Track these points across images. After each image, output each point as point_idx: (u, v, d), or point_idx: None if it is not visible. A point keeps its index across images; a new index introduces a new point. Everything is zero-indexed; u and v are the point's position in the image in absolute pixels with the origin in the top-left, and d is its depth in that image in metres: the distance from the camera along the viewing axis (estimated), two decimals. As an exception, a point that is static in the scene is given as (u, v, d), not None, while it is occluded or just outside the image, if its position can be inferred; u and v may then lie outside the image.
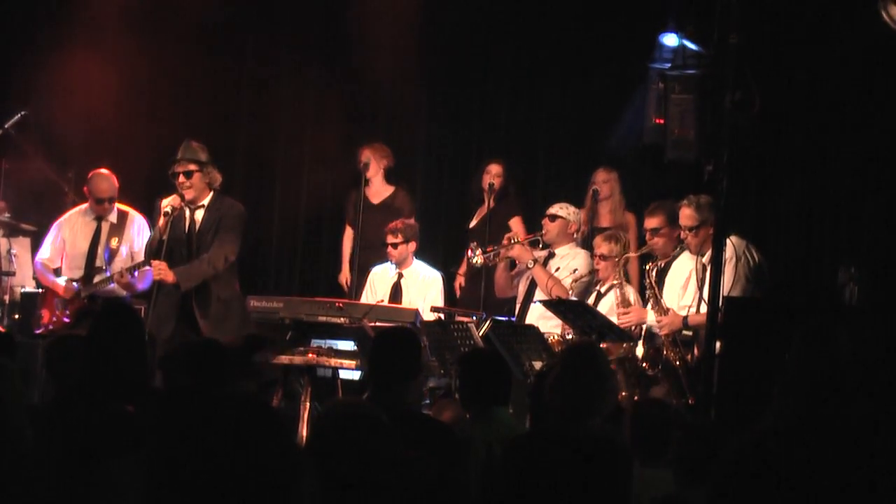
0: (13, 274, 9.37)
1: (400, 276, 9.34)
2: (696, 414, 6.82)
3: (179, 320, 8.23)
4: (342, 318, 8.49)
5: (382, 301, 9.07)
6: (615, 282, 8.20)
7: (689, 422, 5.05)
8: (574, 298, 8.36)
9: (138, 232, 9.13)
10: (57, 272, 9.20)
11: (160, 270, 8.16)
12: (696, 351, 7.74)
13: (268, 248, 11.25)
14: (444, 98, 11.11)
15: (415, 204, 10.10)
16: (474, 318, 8.42)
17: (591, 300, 8.39)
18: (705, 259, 7.72)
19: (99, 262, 9.14)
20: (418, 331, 7.34)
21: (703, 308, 7.27)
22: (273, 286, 10.66)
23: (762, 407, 5.61)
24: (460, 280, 9.88)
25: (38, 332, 8.99)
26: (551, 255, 8.94)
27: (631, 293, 8.25)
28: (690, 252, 7.96)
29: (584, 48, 10.41)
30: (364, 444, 2.98)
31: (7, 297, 9.32)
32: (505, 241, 8.99)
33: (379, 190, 9.99)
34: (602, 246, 8.46)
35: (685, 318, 7.80)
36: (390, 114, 11.00)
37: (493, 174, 9.71)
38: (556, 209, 8.98)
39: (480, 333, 7.99)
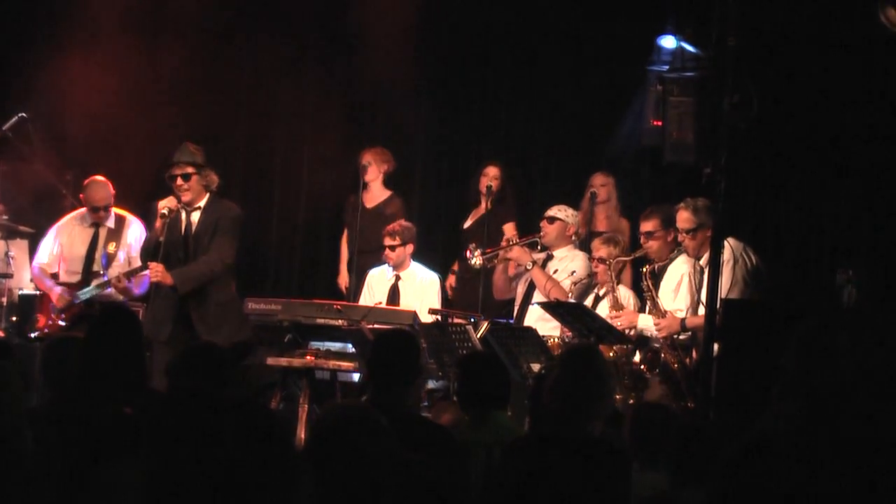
0: (11, 276, 9.37)
1: (397, 278, 9.34)
2: (696, 417, 6.82)
3: (176, 323, 8.21)
4: (340, 321, 8.49)
5: (380, 303, 9.07)
6: (609, 285, 8.19)
7: (683, 423, 5.04)
8: (572, 301, 8.35)
9: (136, 237, 9.13)
10: (54, 277, 9.20)
11: (157, 273, 8.15)
12: (694, 354, 7.73)
13: (266, 250, 11.25)
14: (443, 100, 11.11)
15: (409, 211, 10.08)
16: (472, 319, 8.41)
17: (589, 303, 8.39)
18: (703, 262, 7.72)
19: (96, 267, 9.14)
20: (417, 333, 7.33)
21: (702, 310, 7.27)
22: (271, 288, 10.65)
23: (760, 409, 5.60)
24: (451, 280, 9.88)
25: (33, 335, 8.99)
26: (549, 258, 8.95)
27: (624, 296, 8.24)
28: (688, 255, 7.96)
29: (582, 50, 10.42)
30: (363, 446, 2.98)
31: (5, 300, 9.31)
32: (503, 243, 9.00)
33: (375, 194, 9.99)
34: (601, 249, 8.46)
35: (683, 320, 7.80)
36: (389, 116, 11.00)
37: (491, 176, 9.71)
38: (555, 211, 8.98)
39: (478, 336, 7.99)
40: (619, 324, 7.94)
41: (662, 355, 7.75)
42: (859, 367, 5.34)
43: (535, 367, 7.39)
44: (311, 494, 2.87)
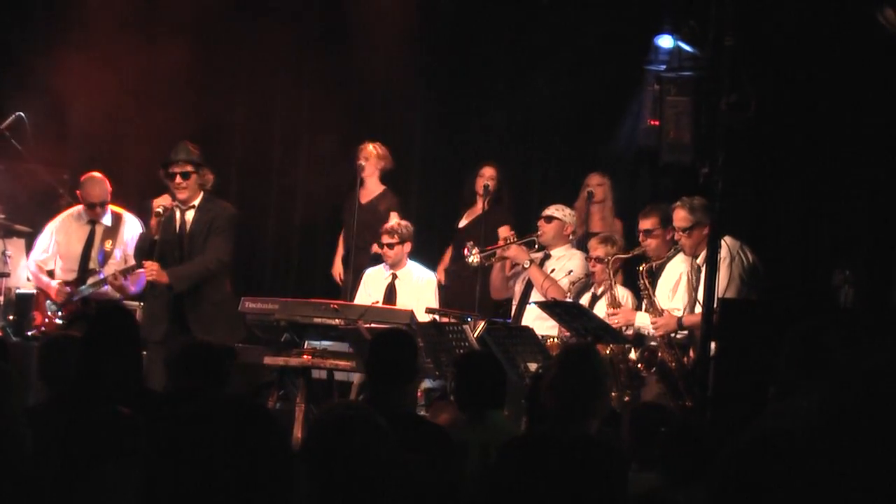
0: (7, 275, 9.37)
1: (394, 276, 9.35)
2: (692, 416, 6.82)
3: (171, 322, 8.20)
4: (337, 320, 8.48)
5: (377, 302, 9.07)
6: (606, 283, 8.19)
7: (676, 422, 5.04)
8: (570, 300, 8.36)
9: (132, 235, 9.12)
10: (50, 274, 9.20)
11: (153, 271, 8.15)
12: (691, 353, 7.73)
13: (263, 250, 11.24)
14: (440, 100, 11.11)
15: (405, 209, 10.07)
16: (469, 319, 8.41)
17: (586, 302, 8.39)
18: (699, 260, 7.73)
19: (93, 265, 9.15)
20: (414, 332, 7.33)
21: (698, 309, 7.27)
22: (269, 288, 10.65)
23: (758, 408, 5.61)
24: (440, 276, 9.89)
25: (30, 333, 8.99)
26: (547, 257, 8.95)
27: (621, 294, 8.24)
28: (685, 253, 7.96)
29: (580, 50, 10.41)
30: (360, 446, 2.98)
31: (2, 299, 9.31)
32: (502, 239, 9.00)
33: (370, 189, 9.98)
34: (598, 249, 8.45)
35: (680, 318, 7.80)
36: (386, 116, 10.99)
37: (488, 177, 9.72)
38: (552, 211, 8.99)
39: (475, 335, 7.99)
40: (616, 321, 7.94)
41: (659, 354, 7.75)
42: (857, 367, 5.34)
43: (533, 366, 7.39)
44: (308, 494, 2.87)
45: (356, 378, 8.73)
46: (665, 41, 8.87)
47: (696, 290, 7.71)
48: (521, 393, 6.61)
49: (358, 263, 9.73)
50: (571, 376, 4.82)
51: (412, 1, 10.51)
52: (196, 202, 8.38)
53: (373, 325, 8.07)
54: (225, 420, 2.44)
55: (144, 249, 8.34)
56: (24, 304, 9.24)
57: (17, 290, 9.38)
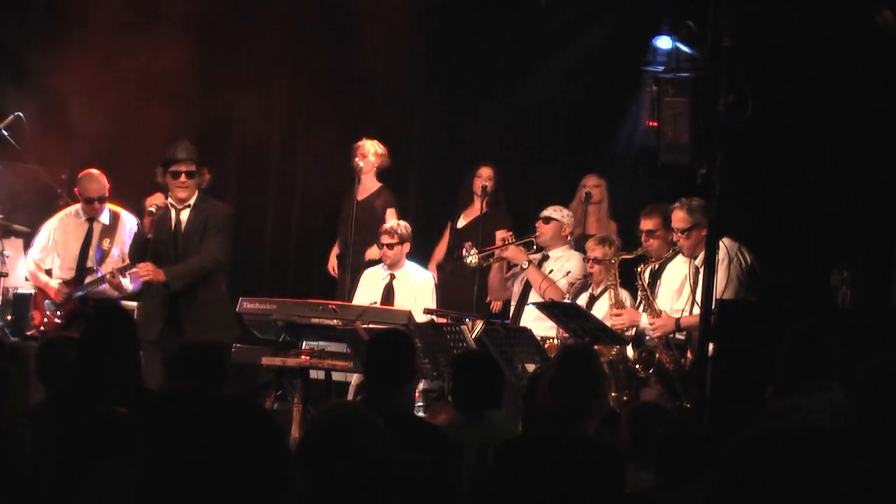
0: (6, 275, 9.36)
1: (392, 277, 9.35)
2: (689, 417, 6.82)
3: (166, 322, 8.20)
4: (335, 320, 8.48)
5: (375, 303, 9.07)
6: (610, 282, 8.16)
7: (670, 422, 5.04)
8: (568, 301, 8.35)
9: (130, 233, 9.11)
10: (48, 273, 9.20)
11: (148, 271, 8.15)
12: (689, 354, 7.73)
13: (261, 250, 11.24)
14: (438, 101, 11.11)
15: (398, 205, 10.07)
16: (466, 319, 8.41)
17: (584, 303, 8.39)
18: (698, 261, 7.72)
19: (90, 263, 9.15)
20: (412, 333, 7.33)
21: (696, 310, 7.27)
22: (267, 288, 10.65)
23: (756, 409, 5.61)
24: (432, 270, 9.90)
25: (29, 333, 8.99)
26: (545, 258, 8.95)
27: (625, 295, 8.24)
28: (683, 254, 7.95)
29: (578, 51, 10.42)
30: (358, 446, 2.98)
31: (0, 298, 9.31)
32: (499, 242, 9.00)
33: (366, 186, 9.98)
34: (595, 249, 8.45)
35: (678, 319, 7.80)
36: (385, 116, 11.00)
37: (485, 177, 9.73)
38: (551, 211, 8.99)
39: (473, 336, 7.99)
40: (621, 321, 7.92)
41: (657, 355, 7.75)
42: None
43: (530, 367, 7.39)
44: (305, 494, 2.88)
45: (354, 378, 8.73)
46: (663, 42, 8.87)
47: (694, 291, 7.70)
48: (519, 393, 6.62)
49: (353, 260, 9.74)
50: (570, 377, 4.82)
51: (411, 1, 10.52)
52: (192, 201, 8.38)
53: (371, 326, 8.07)
54: (222, 420, 2.44)
55: (139, 248, 8.34)
56: (22, 304, 9.24)
57: (16, 290, 9.38)
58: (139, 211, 9.08)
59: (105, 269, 8.99)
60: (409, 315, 8.46)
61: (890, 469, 3.15)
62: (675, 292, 7.99)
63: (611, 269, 8.24)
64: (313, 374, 8.62)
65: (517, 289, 9.02)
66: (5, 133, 9.73)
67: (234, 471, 2.37)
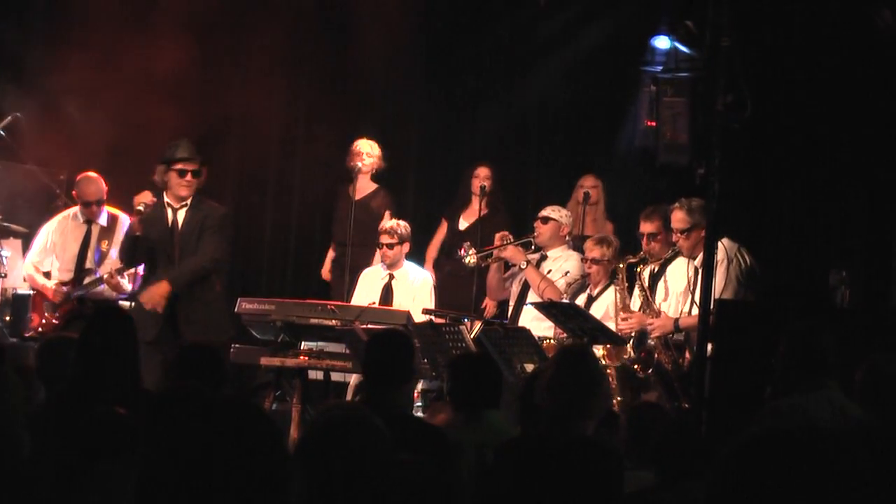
0: (4, 276, 9.36)
1: (391, 277, 9.34)
2: (687, 417, 6.82)
3: (163, 322, 8.19)
4: (334, 321, 8.48)
5: (374, 303, 9.07)
6: (617, 287, 8.12)
7: (668, 422, 5.04)
8: (566, 301, 8.35)
9: (128, 235, 9.13)
10: (47, 275, 9.20)
11: (152, 299, 8.09)
12: (688, 355, 7.73)
13: (260, 250, 11.24)
14: (437, 101, 11.11)
15: (394, 206, 10.07)
16: (465, 319, 8.41)
17: (582, 303, 8.38)
18: (697, 262, 7.72)
19: (89, 265, 9.15)
20: (410, 333, 7.33)
21: (696, 310, 7.27)
22: (265, 288, 10.65)
23: (754, 409, 5.61)
24: (428, 267, 9.91)
25: (27, 335, 8.99)
26: (543, 258, 8.95)
27: (629, 297, 8.21)
28: (682, 255, 7.94)
29: (577, 52, 10.42)
30: (356, 447, 2.98)
31: (-2, 299, 9.32)
32: (498, 242, 8.99)
33: (362, 186, 9.97)
34: (593, 250, 8.45)
35: (676, 320, 7.80)
36: (384, 116, 11.00)
37: (483, 177, 9.74)
38: (549, 211, 8.99)
39: (472, 336, 7.98)
40: (629, 326, 7.89)
41: (656, 355, 7.75)
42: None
43: (529, 367, 7.39)
44: (304, 495, 2.87)
45: (353, 379, 8.73)
46: (662, 42, 8.88)
47: (694, 291, 7.70)
48: (516, 393, 6.61)
49: (341, 259, 9.74)
50: (568, 377, 4.82)
51: (410, 1, 10.52)
52: (189, 201, 8.38)
53: (369, 326, 8.07)
54: (221, 421, 2.44)
55: (129, 246, 8.32)
56: (21, 305, 9.24)
57: (15, 291, 9.38)
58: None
59: (103, 270, 8.99)
60: (407, 315, 8.46)
61: (890, 469, 3.15)
62: (682, 294, 7.96)
63: (611, 270, 8.23)
64: (312, 374, 8.62)
65: (515, 289, 9.02)
66: (3, 134, 9.73)
67: (233, 471, 2.37)
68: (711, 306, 6.49)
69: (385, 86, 10.99)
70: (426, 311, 8.68)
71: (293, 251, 11.27)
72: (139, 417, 4.11)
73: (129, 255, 8.34)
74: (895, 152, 9.05)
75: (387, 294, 9.29)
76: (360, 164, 9.83)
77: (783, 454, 2.11)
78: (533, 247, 8.98)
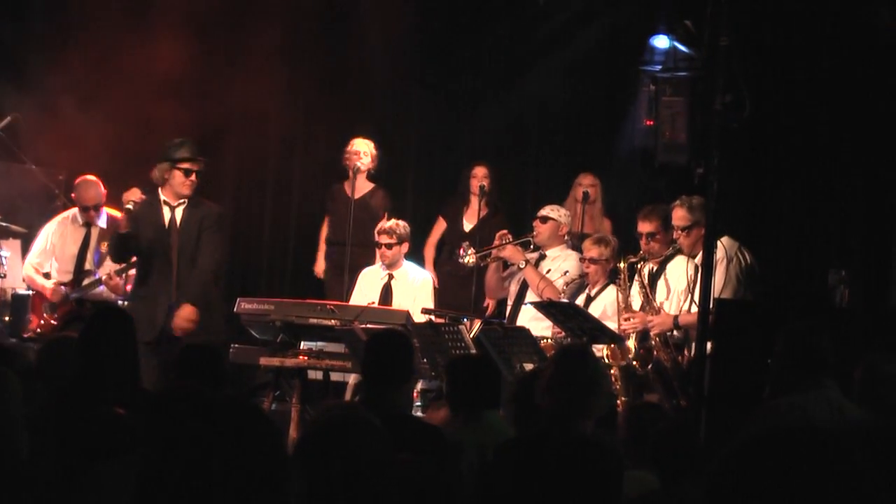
0: (3, 276, 9.37)
1: (390, 277, 9.34)
2: (685, 416, 6.81)
3: (162, 323, 8.17)
4: (333, 321, 8.47)
5: (373, 303, 9.07)
6: (619, 286, 8.12)
7: (666, 424, 5.04)
8: (565, 300, 8.35)
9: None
10: (46, 276, 9.20)
11: (181, 326, 8.10)
12: (686, 353, 7.74)
13: (259, 250, 11.24)
14: (435, 100, 11.12)
15: (392, 205, 10.08)
16: (465, 319, 8.41)
17: (581, 303, 8.38)
18: (697, 260, 7.72)
19: (88, 266, 9.15)
20: (410, 333, 7.33)
21: (694, 308, 7.27)
22: (265, 288, 10.65)
23: (753, 409, 5.61)
24: (430, 263, 9.92)
25: (26, 335, 8.99)
26: (542, 257, 8.95)
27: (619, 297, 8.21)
28: (683, 252, 7.94)
29: (576, 51, 10.43)
30: (354, 447, 2.98)
31: (-2, 300, 9.32)
32: (497, 241, 8.99)
33: (359, 186, 9.97)
34: (591, 249, 8.45)
35: (676, 317, 7.80)
36: (382, 116, 11.00)
37: (481, 176, 9.75)
38: (548, 211, 8.99)
39: (471, 335, 7.98)
40: (633, 326, 7.88)
41: (655, 353, 7.74)
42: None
43: (528, 367, 7.38)
44: (302, 495, 2.88)
45: (351, 379, 8.73)
46: (660, 42, 8.88)
47: (693, 289, 7.70)
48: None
49: (340, 258, 9.75)
50: (568, 377, 4.82)
51: (409, 1, 10.52)
52: (186, 199, 8.38)
53: (369, 326, 8.07)
54: (221, 421, 2.44)
55: (119, 244, 8.29)
56: (19, 306, 9.24)
57: (14, 292, 9.39)
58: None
59: (103, 271, 9.00)
60: (407, 315, 8.46)
61: (890, 469, 3.16)
62: (682, 292, 7.96)
63: (610, 269, 8.23)
64: (311, 374, 8.62)
65: (514, 288, 9.01)
66: (2, 134, 9.73)
67: (233, 471, 2.37)
68: (711, 305, 6.50)
69: (384, 85, 10.98)
70: (425, 311, 8.68)
71: (292, 251, 11.27)
72: (139, 418, 4.11)
73: (118, 251, 8.32)
74: (894, 152, 9.05)
75: (386, 294, 9.28)
76: (358, 164, 9.84)
77: (783, 454, 2.11)
78: (532, 246, 8.98)
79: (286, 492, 2.43)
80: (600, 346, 7.69)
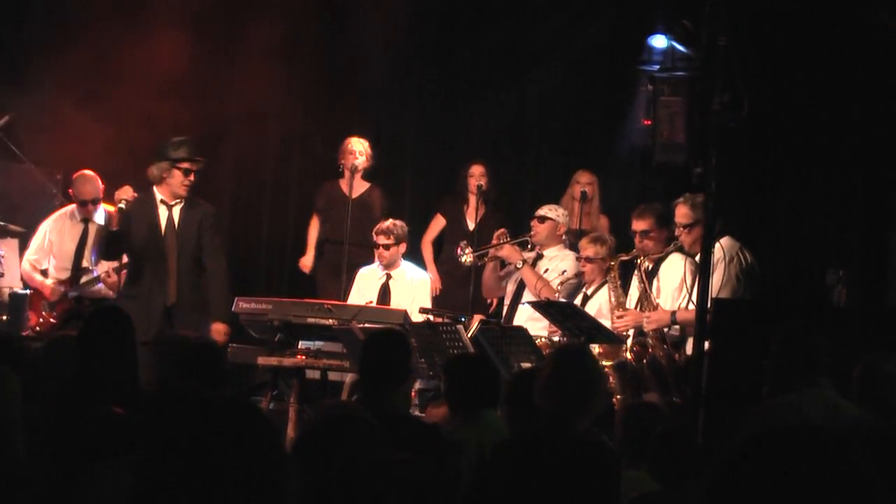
0: (1, 275, 9.36)
1: (388, 276, 9.34)
2: (682, 415, 6.82)
3: (159, 323, 8.17)
4: (331, 320, 8.47)
5: (371, 302, 9.07)
6: (610, 285, 8.14)
7: (665, 426, 5.05)
8: (562, 300, 8.35)
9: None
10: (44, 273, 9.20)
11: (220, 336, 8.18)
12: (684, 350, 7.74)
13: (257, 249, 11.23)
14: (433, 100, 11.12)
15: (389, 204, 10.08)
16: (462, 319, 8.41)
17: (577, 302, 8.38)
18: (698, 257, 7.72)
19: (86, 264, 9.15)
20: (407, 332, 7.33)
21: (692, 306, 7.28)
22: (263, 287, 10.64)
23: (751, 408, 5.61)
24: (428, 252, 9.95)
25: (25, 333, 8.98)
26: (539, 257, 8.95)
27: (623, 295, 8.21)
28: (684, 249, 7.94)
29: (574, 50, 10.43)
30: (352, 447, 2.98)
31: (-4, 299, 9.32)
32: (495, 241, 9.00)
33: (355, 185, 9.97)
34: (588, 248, 8.45)
35: (673, 313, 7.81)
36: (379, 115, 11.00)
37: (478, 175, 9.76)
38: (546, 211, 8.99)
39: (469, 335, 7.98)
40: (624, 324, 7.90)
41: (650, 349, 7.75)
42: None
43: (526, 366, 7.38)
44: (300, 495, 2.88)
45: (348, 378, 8.73)
46: (658, 41, 8.88)
47: (691, 289, 7.70)
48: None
49: (337, 257, 9.76)
50: (565, 377, 4.82)
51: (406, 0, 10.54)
52: (183, 198, 8.38)
53: (366, 326, 8.07)
54: (218, 420, 2.44)
55: (110, 241, 8.28)
56: (18, 304, 9.23)
57: (12, 290, 9.38)
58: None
59: (101, 269, 8.99)
60: (404, 315, 8.46)
61: (889, 468, 3.16)
62: (675, 290, 7.98)
63: (605, 268, 8.24)
64: (309, 373, 8.62)
65: (511, 288, 9.01)
66: (0, 133, 9.72)
67: (231, 471, 2.37)
68: (709, 304, 6.50)
69: (382, 85, 10.98)
70: (423, 311, 8.68)
71: (290, 251, 11.26)
72: (137, 417, 4.11)
73: (108, 249, 8.31)
74: (892, 151, 9.05)
75: (384, 294, 9.28)
76: (355, 163, 9.84)
77: (784, 454, 2.12)
78: (529, 246, 8.98)
79: (284, 491, 2.43)
80: (593, 345, 7.69)
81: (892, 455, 3.43)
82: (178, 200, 8.31)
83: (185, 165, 8.27)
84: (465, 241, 9.11)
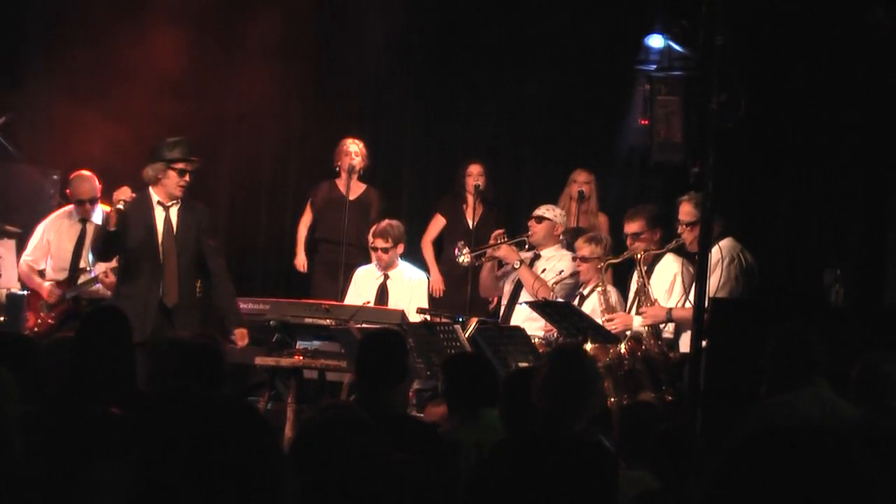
0: (-1, 276, 9.36)
1: (386, 277, 9.34)
2: (680, 412, 6.82)
3: (155, 323, 8.16)
4: (328, 320, 8.47)
5: (369, 302, 9.07)
6: (599, 287, 8.15)
7: (664, 427, 5.05)
8: (560, 300, 8.35)
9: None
10: (41, 274, 9.19)
11: (243, 341, 8.24)
12: (677, 349, 7.76)
13: (254, 250, 11.23)
14: (431, 99, 11.11)
15: (385, 205, 10.08)
16: (460, 319, 8.41)
17: (574, 302, 8.38)
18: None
19: (83, 264, 9.13)
20: (405, 333, 7.33)
21: (689, 304, 7.29)
22: (260, 287, 10.64)
23: (748, 407, 5.62)
24: (429, 250, 9.98)
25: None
26: (537, 257, 8.94)
27: (614, 297, 8.21)
28: (686, 247, 7.95)
29: (570, 50, 10.43)
30: (349, 447, 2.98)
31: (-7, 299, 9.31)
32: (492, 241, 9.00)
33: (352, 186, 9.97)
34: (584, 248, 8.45)
35: (669, 310, 7.81)
36: (377, 115, 11.00)
37: (476, 174, 9.76)
38: (543, 211, 8.98)
39: (467, 335, 7.98)
40: (614, 327, 7.90)
41: (644, 345, 7.74)
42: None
43: (524, 366, 7.38)
44: (298, 495, 2.87)
45: (347, 378, 8.73)
46: (655, 41, 8.87)
47: (689, 288, 7.70)
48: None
49: (334, 258, 9.76)
50: (562, 377, 4.82)
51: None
52: (179, 199, 8.38)
53: (364, 326, 8.07)
54: (216, 421, 2.44)
55: (105, 241, 8.26)
56: (14, 306, 9.22)
57: (9, 291, 9.36)
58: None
59: (98, 269, 8.99)
60: (402, 315, 8.46)
61: (887, 467, 3.16)
62: (666, 292, 8.01)
63: (599, 272, 8.24)
64: (307, 374, 8.62)
65: (508, 288, 9.01)
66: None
67: (228, 471, 2.37)
68: (706, 304, 6.50)
69: (379, 84, 10.98)
70: (421, 311, 8.68)
71: (288, 251, 11.25)
72: (134, 418, 4.11)
73: (104, 249, 8.28)
74: (889, 151, 9.06)
75: (382, 294, 9.28)
76: (352, 164, 9.84)
77: (783, 453, 2.11)
78: (527, 246, 8.98)
79: (282, 492, 2.43)
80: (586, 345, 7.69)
81: (892, 455, 3.43)
82: (175, 201, 8.30)
83: (180, 166, 8.25)
84: (462, 242, 9.10)
